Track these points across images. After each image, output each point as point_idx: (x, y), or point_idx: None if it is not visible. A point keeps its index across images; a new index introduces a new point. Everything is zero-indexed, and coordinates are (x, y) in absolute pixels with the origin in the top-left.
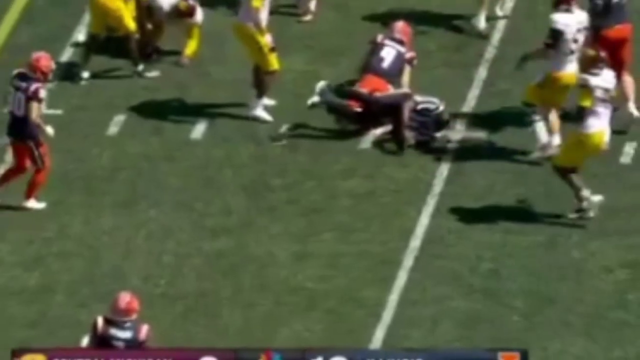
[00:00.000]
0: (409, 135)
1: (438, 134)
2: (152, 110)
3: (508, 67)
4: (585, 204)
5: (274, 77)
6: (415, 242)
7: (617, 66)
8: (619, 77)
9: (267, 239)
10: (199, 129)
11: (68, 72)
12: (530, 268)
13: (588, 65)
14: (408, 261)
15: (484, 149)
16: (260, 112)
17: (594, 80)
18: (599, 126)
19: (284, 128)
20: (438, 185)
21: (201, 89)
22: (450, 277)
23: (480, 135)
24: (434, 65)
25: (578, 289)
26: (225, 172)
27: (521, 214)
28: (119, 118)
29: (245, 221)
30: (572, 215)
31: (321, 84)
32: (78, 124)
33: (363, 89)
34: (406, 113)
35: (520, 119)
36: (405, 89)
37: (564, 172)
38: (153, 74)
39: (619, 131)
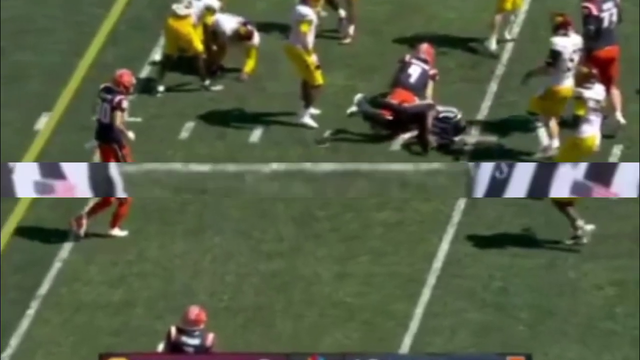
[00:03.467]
0: (432, 139)
1: (456, 138)
2: (216, 118)
3: (515, 82)
4: (579, 232)
5: (319, 90)
6: (437, 264)
7: (607, 81)
8: (608, 90)
9: (313, 261)
10: (256, 134)
11: (146, 86)
12: (534, 286)
13: (582, 80)
14: (431, 280)
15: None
16: (307, 120)
17: (587, 93)
18: (592, 132)
19: (327, 133)
20: (456, 217)
21: (258, 100)
22: (467, 293)
23: (491, 139)
24: (452, 81)
25: (574, 303)
26: (278, 205)
27: (526, 240)
28: (189, 125)
29: (294, 246)
30: (569, 241)
31: (358, 96)
32: (154, 129)
33: (393, 100)
34: (430, 120)
35: (525, 125)
36: (429, 101)
37: (562, 205)
38: (217, 87)
39: (608, 135)
